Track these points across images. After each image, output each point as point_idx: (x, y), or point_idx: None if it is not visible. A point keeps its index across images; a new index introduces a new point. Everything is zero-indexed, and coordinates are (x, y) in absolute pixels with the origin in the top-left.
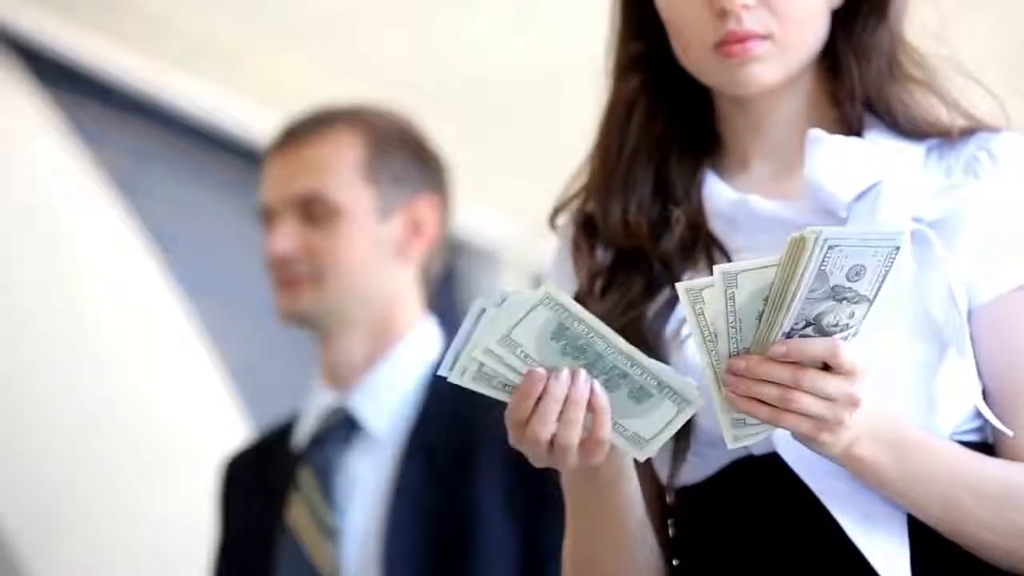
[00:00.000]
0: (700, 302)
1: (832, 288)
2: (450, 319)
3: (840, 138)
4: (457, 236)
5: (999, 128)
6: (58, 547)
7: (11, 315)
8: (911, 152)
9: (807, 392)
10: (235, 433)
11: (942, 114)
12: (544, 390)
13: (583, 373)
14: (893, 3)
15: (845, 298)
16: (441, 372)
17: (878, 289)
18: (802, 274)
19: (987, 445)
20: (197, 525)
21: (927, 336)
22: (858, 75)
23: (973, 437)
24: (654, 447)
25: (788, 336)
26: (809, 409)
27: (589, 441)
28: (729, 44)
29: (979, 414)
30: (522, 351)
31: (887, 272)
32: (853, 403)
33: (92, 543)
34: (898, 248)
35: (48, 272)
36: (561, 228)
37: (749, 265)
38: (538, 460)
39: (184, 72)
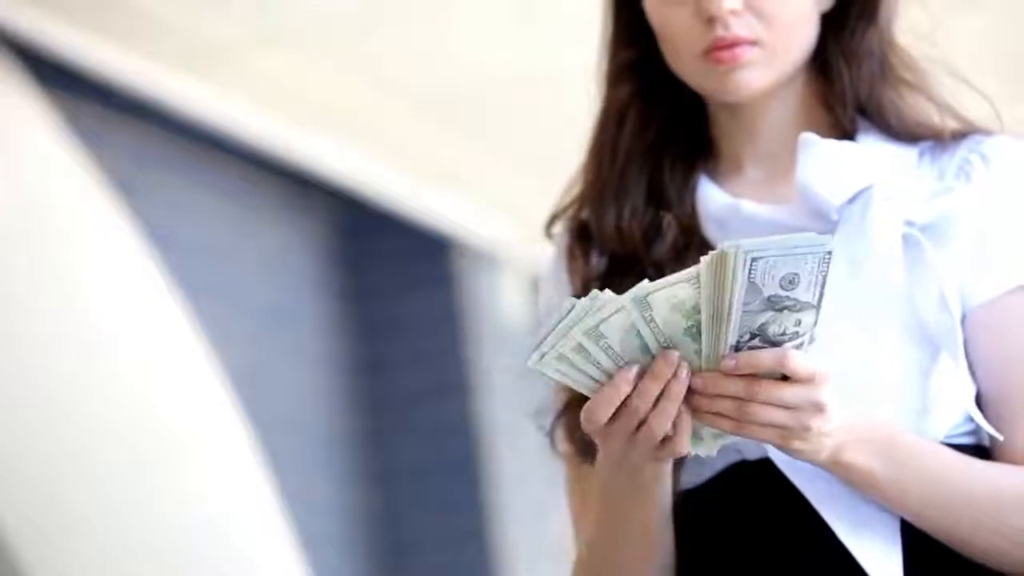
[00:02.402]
0: (602, 337)
1: (768, 299)
2: (450, 320)
3: (832, 142)
4: (456, 237)
5: (992, 131)
6: (58, 547)
7: (10, 316)
8: (903, 155)
9: (764, 403)
10: (234, 434)
11: (934, 117)
12: (646, 378)
13: (685, 367)
14: (883, 6)
15: (785, 307)
16: (530, 362)
17: (819, 294)
18: (732, 289)
19: (980, 448)
20: (196, 525)
21: (919, 340)
22: (849, 78)
23: (966, 440)
24: (715, 446)
25: (737, 349)
26: (769, 419)
27: (671, 436)
28: (718, 50)
29: (972, 418)
30: (606, 343)
31: (824, 276)
32: (817, 408)
33: (92, 543)
34: (829, 252)
35: (47, 273)
36: (556, 236)
37: (656, 286)
38: (609, 449)
39: (183, 73)
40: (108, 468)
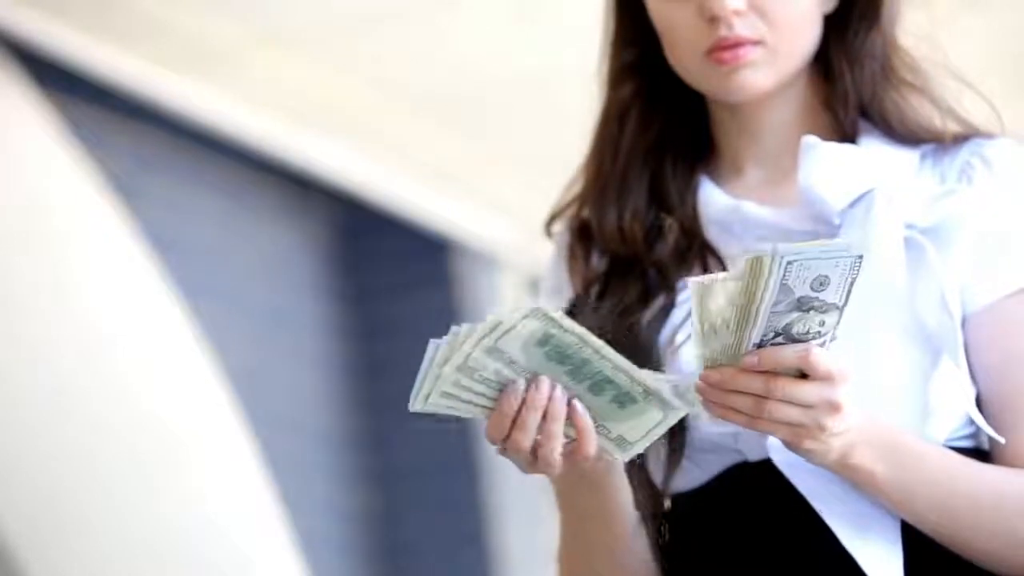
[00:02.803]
0: (710, 297)
1: (798, 300)
2: (450, 320)
3: (834, 144)
4: (456, 237)
5: (993, 133)
6: (58, 548)
7: (10, 318)
8: (905, 158)
9: (781, 400)
10: (234, 434)
11: (936, 119)
12: (524, 401)
13: (559, 389)
14: (886, 8)
15: (812, 307)
16: (413, 407)
17: (846, 296)
18: (764, 291)
19: (981, 451)
20: (196, 526)
21: (920, 343)
22: (851, 80)
23: (967, 443)
24: (637, 450)
25: (760, 345)
26: (786, 416)
27: (573, 450)
28: (721, 50)
29: (973, 420)
30: (508, 357)
31: (854, 279)
32: (833, 408)
33: (92, 544)
34: (860, 257)
35: (47, 274)
36: (557, 235)
37: (724, 276)
38: (525, 468)
39: (183, 75)
40: (108, 468)
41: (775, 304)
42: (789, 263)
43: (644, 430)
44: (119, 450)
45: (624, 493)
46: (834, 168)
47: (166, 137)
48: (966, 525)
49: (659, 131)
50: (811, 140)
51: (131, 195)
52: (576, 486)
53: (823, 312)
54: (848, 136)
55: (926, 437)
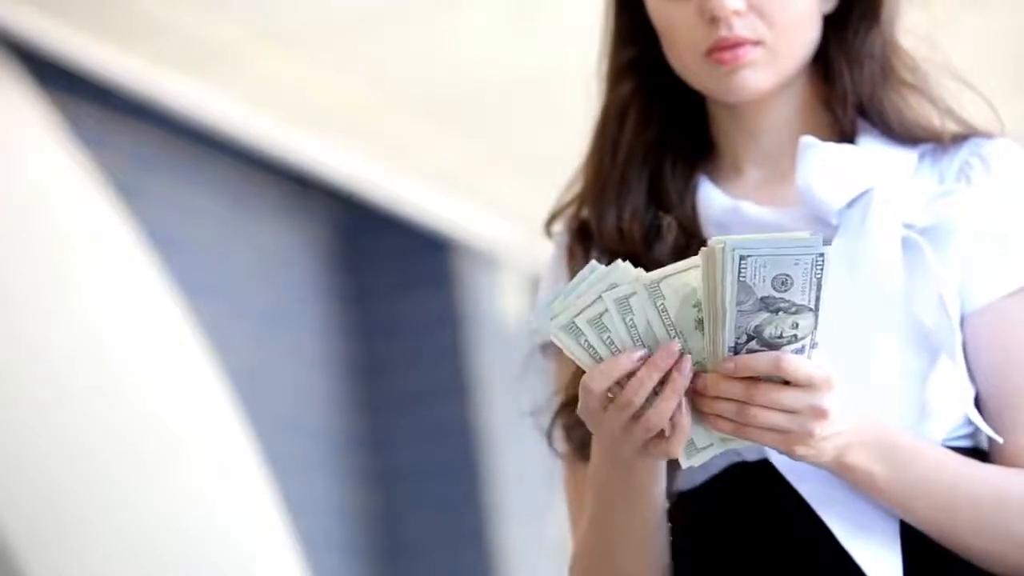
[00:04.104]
0: (629, 312)
1: (761, 300)
2: (449, 320)
3: (832, 144)
4: (456, 237)
5: (992, 134)
6: (58, 548)
7: (9, 317)
8: (903, 158)
9: (764, 406)
10: (234, 434)
11: (935, 119)
12: (646, 366)
13: (688, 361)
14: (885, 8)
15: (780, 309)
16: (539, 322)
17: (816, 297)
18: (723, 285)
19: (979, 451)
20: (196, 526)
21: (918, 343)
22: (850, 80)
23: (965, 443)
24: (702, 458)
25: (735, 350)
26: (770, 422)
27: (670, 431)
28: (721, 51)
29: (971, 420)
30: (663, 304)
31: (819, 279)
32: (818, 413)
33: (91, 544)
34: (821, 255)
35: (47, 274)
36: (556, 235)
37: (667, 272)
38: (603, 438)
39: (183, 74)
40: (108, 468)
41: (740, 304)
42: (743, 258)
43: (712, 439)
44: (119, 450)
45: (661, 493)
46: (832, 169)
47: (166, 137)
48: (965, 525)
49: (658, 131)
50: (809, 140)
51: (131, 195)
52: (625, 480)
53: (794, 314)
54: (847, 136)
55: (924, 437)
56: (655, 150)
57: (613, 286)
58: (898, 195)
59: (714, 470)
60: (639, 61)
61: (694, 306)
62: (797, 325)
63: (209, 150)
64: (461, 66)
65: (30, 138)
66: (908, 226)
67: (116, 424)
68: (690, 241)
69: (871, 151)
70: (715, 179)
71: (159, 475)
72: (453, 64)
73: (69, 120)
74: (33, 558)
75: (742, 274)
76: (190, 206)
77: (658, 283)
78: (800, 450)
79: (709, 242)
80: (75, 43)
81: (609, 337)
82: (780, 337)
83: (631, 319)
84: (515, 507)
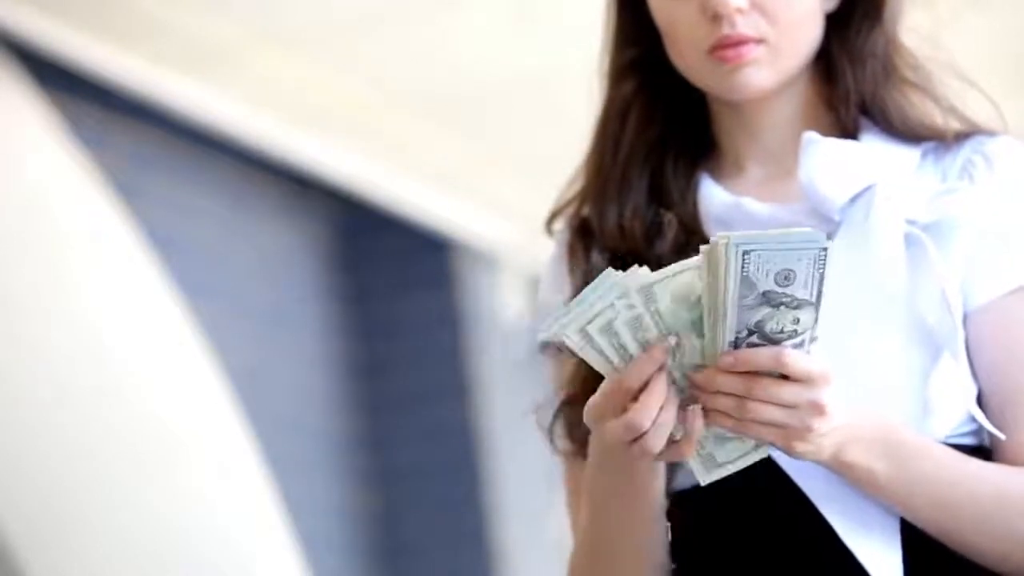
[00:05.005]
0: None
1: (763, 294)
2: (450, 320)
3: (835, 141)
4: (456, 237)
5: (995, 131)
6: (58, 548)
7: (9, 317)
8: (906, 155)
9: (763, 401)
10: (234, 434)
11: (937, 117)
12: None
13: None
14: (888, 6)
15: (782, 303)
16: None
17: (818, 292)
18: (725, 281)
19: (982, 448)
20: (196, 526)
21: (921, 340)
22: (853, 78)
23: (968, 441)
24: (721, 473)
25: (735, 345)
26: (769, 417)
27: (676, 443)
28: (723, 49)
29: (973, 418)
30: (656, 308)
31: (821, 274)
32: (816, 409)
33: (91, 544)
34: (824, 250)
35: (46, 274)
36: (557, 233)
37: (660, 275)
38: (609, 445)
39: (183, 74)
40: (108, 468)
41: (741, 298)
42: (746, 253)
43: (734, 455)
44: (119, 450)
45: (661, 494)
46: (835, 165)
47: (166, 137)
48: (966, 523)
49: (660, 128)
50: (812, 136)
51: (131, 195)
52: (626, 482)
53: (795, 309)
54: (849, 134)
55: (927, 434)
56: (657, 148)
57: (623, 294)
58: (900, 192)
59: None
60: (641, 59)
61: (688, 308)
62: (798, 320)
63: (209, 150)
64: (461, 66)
65: (30, 138)
66: (911, 223)
67: (116, 424)
68: (691, 238)
69: (874, 148)
70: (717, 177)
71: (159, 475)
72: (453, 64)
73: (69, 120)
74: (33, 558)
75: (745, 269)
76: (190, 206)
77: (651, 286)
78: (799, 447)
79: (712, 238)
80: (75, 43)
81: (620, 342)
82: (781, 332)
83: (634, 321)
84: (515, 507)
